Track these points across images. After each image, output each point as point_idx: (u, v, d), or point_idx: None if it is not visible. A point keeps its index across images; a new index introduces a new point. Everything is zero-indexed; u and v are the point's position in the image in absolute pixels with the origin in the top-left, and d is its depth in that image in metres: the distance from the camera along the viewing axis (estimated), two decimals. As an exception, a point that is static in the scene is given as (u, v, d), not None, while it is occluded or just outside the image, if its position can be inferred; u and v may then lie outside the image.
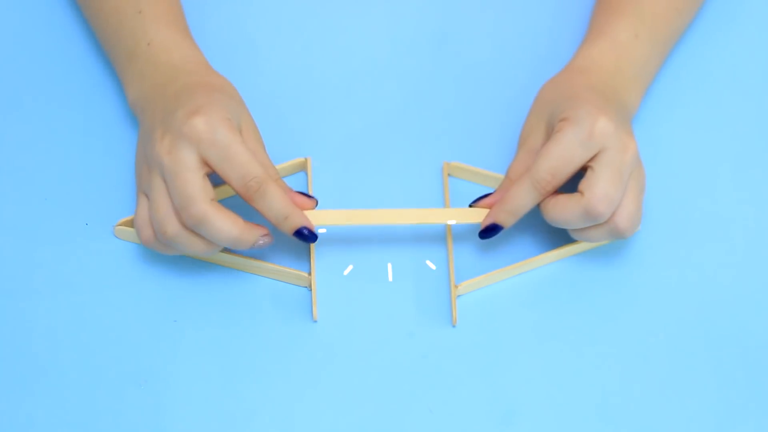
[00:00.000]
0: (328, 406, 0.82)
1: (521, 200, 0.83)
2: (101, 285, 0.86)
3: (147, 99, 0.86)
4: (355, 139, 0.92)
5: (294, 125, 0.93)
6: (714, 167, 0.93)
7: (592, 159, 0.82)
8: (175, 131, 0.80)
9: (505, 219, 0.84)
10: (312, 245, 0.87)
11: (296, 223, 0.82)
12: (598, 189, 0.81)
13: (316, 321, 0.85)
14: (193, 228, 0.81)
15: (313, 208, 0.84)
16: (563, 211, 0.82)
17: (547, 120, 0.85)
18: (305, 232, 0.83)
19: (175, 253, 0.83)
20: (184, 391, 0.82)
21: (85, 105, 0.95)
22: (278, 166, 0.90)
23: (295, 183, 0.91)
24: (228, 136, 0.80)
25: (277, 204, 0.82)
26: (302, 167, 0.92)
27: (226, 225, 0.81)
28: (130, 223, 0.87)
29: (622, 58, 0.90)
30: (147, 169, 0.82)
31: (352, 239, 0.88)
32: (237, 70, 0.92)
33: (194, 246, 0.82)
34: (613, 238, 0.84)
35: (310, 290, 0.86)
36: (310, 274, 0.86)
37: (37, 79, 0.96)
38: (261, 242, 0.83)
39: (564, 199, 0.83)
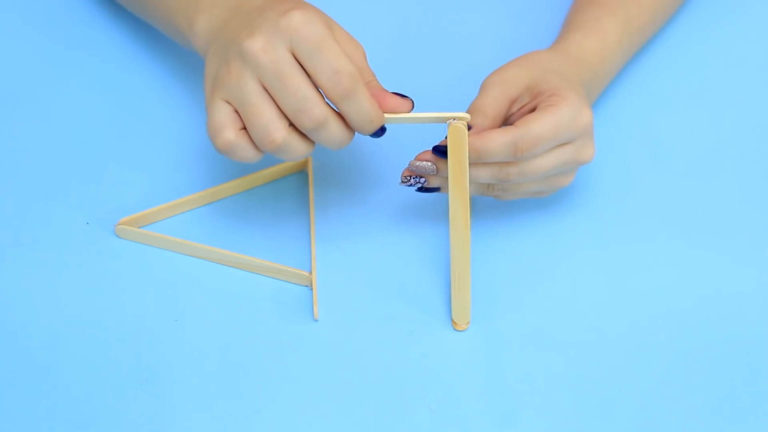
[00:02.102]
0: (328, 405, 0.82)
1: (496, 149, 0.81)
2: (101, 285, 0.86)
3: (220, 24, 0.82)
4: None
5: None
6: (715, 167, 0.93)
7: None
8: (269, 27, 0.77)
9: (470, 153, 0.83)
10: (313, 244, 0.87)
11: (378, 126, 0.79)
12: (539, 163, 0.82)
13: (316, 320, 0.85)
14: (311, 131, 0.78)
15: (410, 111, 0.80)
16: (491, 138, 0.81)
17: (531, 79, 0.85)
18: (381, 134, 0.80)
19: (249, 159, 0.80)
20: (184, 390, 0.82)
21: (86, 104, 0.95)
22: (278, 167, 0.90)
23: (296, 182, 0.91)
24: (323, 28, 0.76)
25: (366, 105, 0.78)
26: (303, 166, 0.92)
27: (342, 129, 0.78)
28: (132, 222, 0.87)
29: (605, 62, 0.91)
30: (231, 71, 0.78)
31: (351, 239, 0.88)
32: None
33: (298, 151, 0.79)
34: (502, 182, 0.84)
35: (311, 289, 0.86)
36: (311, 273, 0.86)
37: (37, 78, 0.96)
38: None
39: (496, 131, 0.82)
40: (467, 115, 0.78)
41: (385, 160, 0.92)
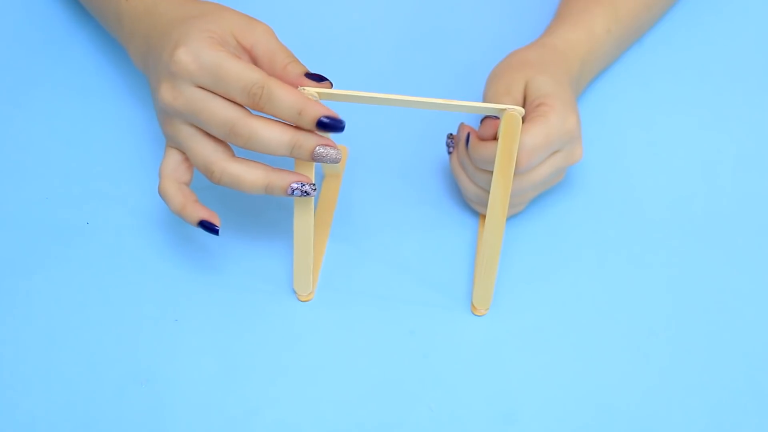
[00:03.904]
0: (328, 405, 0.82)
1: (492, 155, 0.82)
2: (102, 284, 0.86)
3: (143, 55, 0.84)
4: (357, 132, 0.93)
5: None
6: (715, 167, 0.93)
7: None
8: (167, 74, 0.78)
9: (466, 152, 0.86)
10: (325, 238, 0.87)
11: (313, 115, 0.77)
12: (535, 175, 0.84)
13: (307, 302, 0.85)
14: (247, 145, 0.78)
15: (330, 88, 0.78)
16: (486, 147, 0.83)
17: (525, 79, 0.87)
18: (326, 121, 0.78)
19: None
20: (184, 390, 0.82)
21: (86, 104, 0.95)
22: None
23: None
24: (211, 55, 0.77)
25: (286, 101, 0.77)
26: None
27: (276, 131, 0.77)
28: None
29: (593, 51, 0.92)
30: (168, 122, 0.80)
31: (352, 237, 0.88)
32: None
33: (250, 174, 0.79)
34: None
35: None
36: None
37: (37, 78, 0.96)
38: (321, 151, 0.78)
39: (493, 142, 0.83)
40: (522, 109, 0.78)
41: (412, 157, 0.93)
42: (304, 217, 0.82)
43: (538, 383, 0.83)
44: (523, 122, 0.81)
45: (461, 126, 0.87)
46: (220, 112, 0.77)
